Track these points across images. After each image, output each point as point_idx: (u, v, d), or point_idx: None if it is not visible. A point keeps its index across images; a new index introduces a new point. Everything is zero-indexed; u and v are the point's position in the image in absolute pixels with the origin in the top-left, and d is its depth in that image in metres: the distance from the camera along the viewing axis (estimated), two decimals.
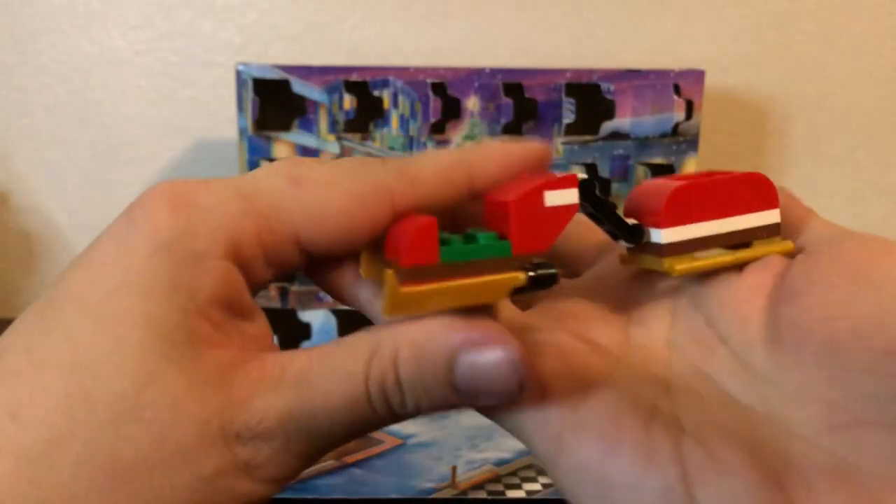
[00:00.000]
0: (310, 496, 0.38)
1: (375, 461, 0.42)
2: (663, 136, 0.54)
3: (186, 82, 0.67)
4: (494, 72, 0.54)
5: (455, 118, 0.54)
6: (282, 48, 0.67)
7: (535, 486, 0.39)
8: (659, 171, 0.54)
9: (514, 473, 0.41)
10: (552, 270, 0.20)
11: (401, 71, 0.54)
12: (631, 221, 0.21)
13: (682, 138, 0.54)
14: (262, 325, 0.21)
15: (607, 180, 0.55)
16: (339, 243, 0.20)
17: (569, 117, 0.54)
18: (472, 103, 0.54)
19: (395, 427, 0.47)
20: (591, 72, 0.54)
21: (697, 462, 0.18)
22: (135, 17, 0.66)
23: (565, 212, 0.20)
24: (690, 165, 0.54)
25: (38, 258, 0.71)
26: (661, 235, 0.21)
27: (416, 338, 0.18)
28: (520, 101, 0.54)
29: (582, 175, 0.20)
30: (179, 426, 0.18)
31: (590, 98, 0.54)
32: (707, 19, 0.67)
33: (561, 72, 0.54)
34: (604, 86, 0.54)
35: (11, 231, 0.71)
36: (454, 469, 0.41)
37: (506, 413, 0.20)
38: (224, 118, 0.68)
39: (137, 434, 0.17)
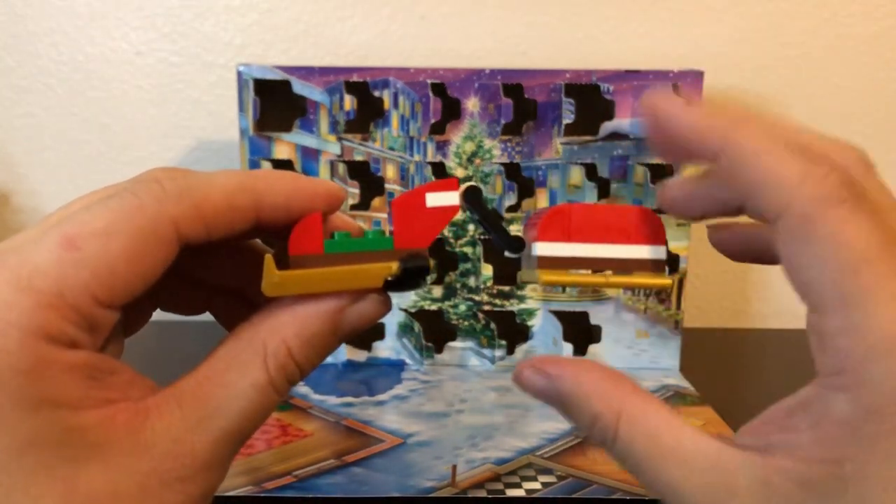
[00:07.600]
0: (310, 495, 0.38)
1: (375, 460, 0.42)
2: None
3: (187, 83, 0.68)
4: (494, 72, 0.54)
5: (455, 118, 0.54)
6: (282, 49, 0.67)
7: (535, 485, 0.39)
8: (658, 170, 0.54)
9: (514, 472, 0.41)
10: (424, 263, 0.22)
11: (401, 71, 0.54)
12: (515, 234, 0.23)
13: None
14: (127, 371, 0.20)
15: (607, 180, 0.55)
16: (137, 285, 0.19)
17: (568, 118, 0.54)
18: (472, 104, 0.54)
19: (395, 426, 0.47)
20: (590, 72, 0.54)
21: None
22: (136, 18, 0.67)
23: (446, 212, 0.22)
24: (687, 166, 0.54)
25: None
26: (536, 248, 0.22)
27: (300, 328, 0.21)
28: (519, 101, 0.54)
29: (472, 182, 0.21)
30: None
31: (589, 98, 0.54)
32: (706, 20, 0.67)
33: (560, 72, 0.54)
34: (603, 86, 0.54)
35: (12, 231, 0.71)
36: (454, 468, 0.41)
37: None
38: (225, 119, 0.68)
39: None
